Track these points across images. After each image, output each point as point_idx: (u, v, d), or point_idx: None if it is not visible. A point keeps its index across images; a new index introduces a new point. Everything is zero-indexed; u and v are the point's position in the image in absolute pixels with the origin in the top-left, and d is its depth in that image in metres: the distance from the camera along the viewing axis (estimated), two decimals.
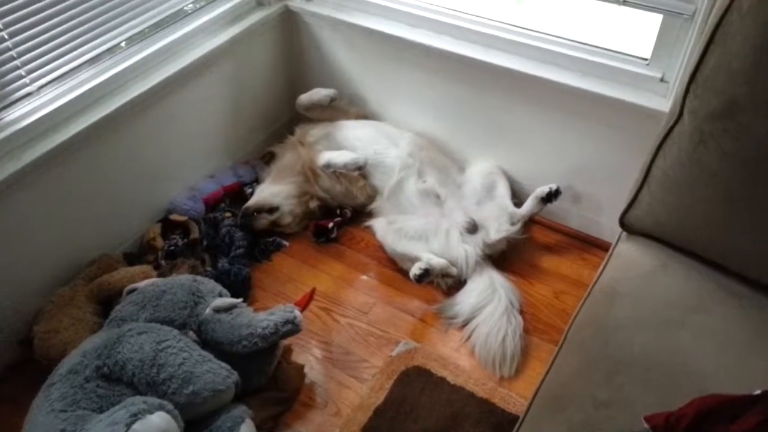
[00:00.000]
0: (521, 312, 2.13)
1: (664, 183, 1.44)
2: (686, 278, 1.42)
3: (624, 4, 1.81)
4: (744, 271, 1.40)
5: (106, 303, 1.99)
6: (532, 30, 2.11)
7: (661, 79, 1.91)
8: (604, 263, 1.51)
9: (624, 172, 2.14)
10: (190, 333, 1.81)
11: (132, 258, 2.21)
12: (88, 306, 1.95)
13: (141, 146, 2.18)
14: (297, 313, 1.86)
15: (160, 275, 2.11)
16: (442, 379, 1.94)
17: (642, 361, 1.27)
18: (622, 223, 1.57)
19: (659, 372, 1.23)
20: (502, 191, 2.35)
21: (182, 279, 1.93)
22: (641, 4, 1.78)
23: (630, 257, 1.49)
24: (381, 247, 2.35)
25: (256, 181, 2.58)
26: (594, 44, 2.03)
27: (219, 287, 1.98)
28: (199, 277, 1.97)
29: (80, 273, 2.04)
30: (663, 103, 1.91)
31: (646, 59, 1.93)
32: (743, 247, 1.37)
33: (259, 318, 1.81)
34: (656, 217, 1.48)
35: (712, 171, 1.32)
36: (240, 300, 1.88)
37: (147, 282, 1.95)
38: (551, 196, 2.23)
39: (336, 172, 2.34)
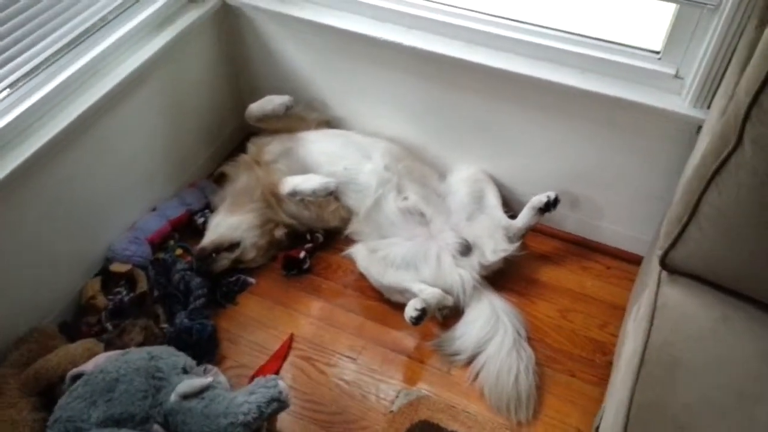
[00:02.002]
0: (528, 339, 1.92)
1: (719, 222, 1.21)
2: (752, 334, 1.22)
3: None
4: None
5: (46, 392, 1.64)
6: (522, 22, 1.82)
7: (676, 75, 1.67)
8: (649, 316, 1.28)
9: (630, 175, 1.94)
10: (155, 427, 1.51)
11: (70, 329, 1.84)
12: (23, 401, 1.59)
13: (66, 189, 1.80)
14: (281, 385, 1.57)
15: (107, 346, 1.77)
16: None
17: None
18: (664, 263, 1.34)
19: None
20: (492, 201, 2.10)
21: (136, 358, 1.60)
22: None
23: (681, 309, 1.27)
24: (362, 274, 2.06)
25: (208, 207, 2.22)
26: (595, 36, 1.76)
27: (183, 359, 1.66)
28: (156, 351, 1.64)
29: (7, 358, 1.67)
30: (678, 101, 1.68)
31: (657, 52, 1.68)
32: None
33: (238, 401, 1.51)
34: (709, 259, 1.26)
35: None
36: (210, 379, 1.57)
37: (94, 363, 1.62)
38: (549, 206, 2.00)
39: (304, 199, 2.01)
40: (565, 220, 2.16)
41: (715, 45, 1.51)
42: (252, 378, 1.83)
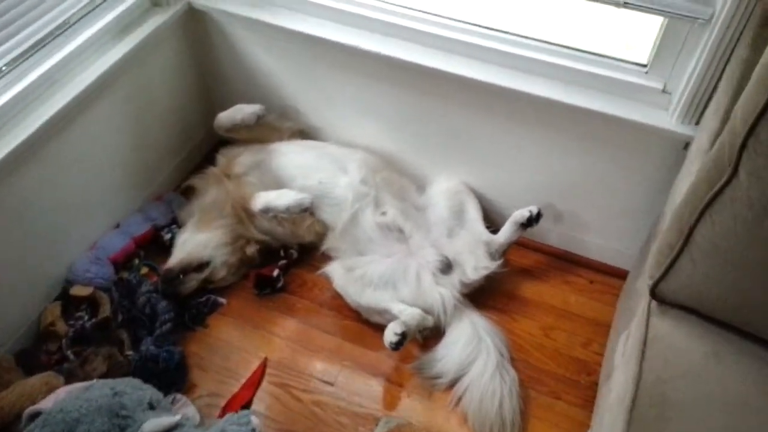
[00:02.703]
0: (511, 359, 1.86)
1: (712, 255, 1.15)
2: (743, 368, 1.17)
3: (625, 6, 1.47)
4: None
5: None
6: (504, 32, 1.74)
7: (663, 90, 1.61)
8: (639, 350, 1.23)
9: (614, 190, 1.89)
10: None
11: (28, 357, 1.73)
12: None
13: (23, 207, 1.68)
14: (254, 422, 1.49)
15: (69, 376, 1.67)
16: None
17: None
18: (654, 293, 1.28)
19: None
20: (473, 214, 2.03)
21: (98, 395, 1.48)
22: (648, 7, 1.45)
23: (672, 343, 1.22)
24: (339, 293, 1.98)
25: (175, 222, 2.11)
26: (579, 48, 1.69)
27: (149, 393, 1.56)
28: (120, 386, 1.54)
29: None
30: (665, 117, 1.62)
31: (644, 65, 1.62)
32: None
33: None
34: (701, 292, 1.21)
35: None
36: (178, 417, 1.48)
37: (53, 399, 1.51)
38: (532, 221, 1.93)
39: (277, 215, 1.92)
40: (547, 233, 2.10)
41: (705, 60, 1.45)
42: (224, 409, 1.74)
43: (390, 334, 1.74)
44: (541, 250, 2.14)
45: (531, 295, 2.04)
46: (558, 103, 1.69)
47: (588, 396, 1.80)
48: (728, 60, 1.42)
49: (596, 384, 1.81)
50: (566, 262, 2.13)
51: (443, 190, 2.06)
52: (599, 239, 2.03)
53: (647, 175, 1.78)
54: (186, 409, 1.72)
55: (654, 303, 1.31)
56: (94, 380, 1.61)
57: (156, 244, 2.08)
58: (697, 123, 1.58)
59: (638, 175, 1.80)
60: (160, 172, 2.19)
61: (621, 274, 2.02)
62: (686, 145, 1.63)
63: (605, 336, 1.91)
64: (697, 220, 1.16)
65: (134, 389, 1.55)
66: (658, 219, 1.68)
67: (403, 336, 1.74)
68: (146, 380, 1.65)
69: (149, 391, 1.58)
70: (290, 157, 2.02)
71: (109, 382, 1.57)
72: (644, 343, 1.24)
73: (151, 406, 1.54)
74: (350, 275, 1.90)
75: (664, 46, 1.54)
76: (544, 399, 1.80)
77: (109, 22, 1.81)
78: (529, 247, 2.15)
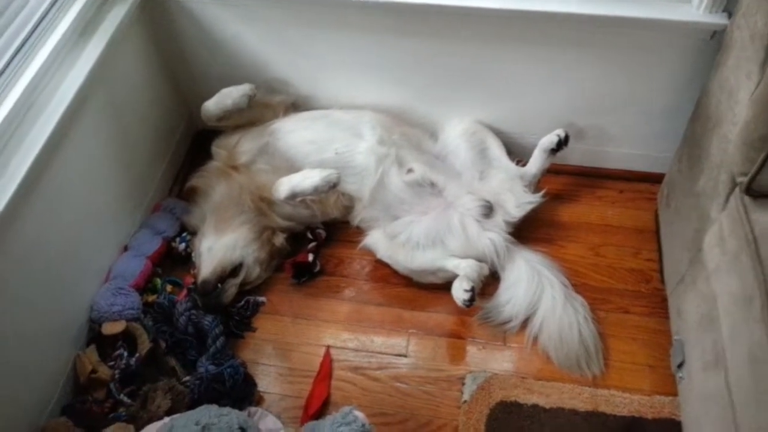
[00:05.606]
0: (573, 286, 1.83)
1: None
2: None
3: None
4: None
5: None
6: None
7: None
8: (751, 250, 1.20)
9: (636, 95, 1.85)
10: None
11: (77, 413, 1.55)
12: None
13: (31, 253, 1.48)
14: (361, 416, 1.41)
15: (133, 422, 1.53)
16: (535, 407, 1.63)
17: None
18: (749, 190, 1.26)
19: None
20: (496, 151, 1.95)
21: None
22: None
23: None
24: (378, 261, 1.89)
25: (184, 229, 1.94)
26: None
27: (234, 417, 1.43)
28: (202, 418, 1.39)
29: None
30: (691, 10, 1.57)
31: None
32: None
33: None
34: None
35: None
36: (281, 430, 1.37)
37: None
38: (561, 145, 1.88)
39: (305, 198, 1.78)
40: (570, 153, 2.04)
41: None
42: (306, 409, 1.64)
43: (460, 293, 1.67)
44: (563, 171, 2.10)
45: (569, 218, 2.02)
46: (578, 16, 1.61)
47: (654, 303, 1.81)
48: None
49: (658, 290, 1.83)
50: (591, 178, 2.10)
51: (459, 132, 1.96)
52: (624, 148, 2.01)
53: (670, 73, 1.75)
54: (266, 420, 1.62)
55: (747, 199, 1.28)
56: (168, 419, 1.47)
57: (170, 257, 1.91)
58: (725, 10, 1.54)
59: (661, 76, 1.76)
60: (152, 180, 1.99)
61: (651, 178, 2.02)
62: (713, 35, 1.59)
63: (651, 242, 1.92)
64: None
65: (218, 417, 1.42)
66: (697, 114, 1.65)
67: (473, 291, 1.68)
68: (215, 402, 1.52)
69: (233, 414, 1.45)
70: (298, 133, 1.86)
71: (190, 416, 1.43)
72: (754, 241, 1.22)
73: (243, 430, 1.42)
74: (395, 242, 1.80)
75: None
76: (614, 316, 1.80)
77: (68, 29, 1.56)
78: (552, 171, 2.08)
